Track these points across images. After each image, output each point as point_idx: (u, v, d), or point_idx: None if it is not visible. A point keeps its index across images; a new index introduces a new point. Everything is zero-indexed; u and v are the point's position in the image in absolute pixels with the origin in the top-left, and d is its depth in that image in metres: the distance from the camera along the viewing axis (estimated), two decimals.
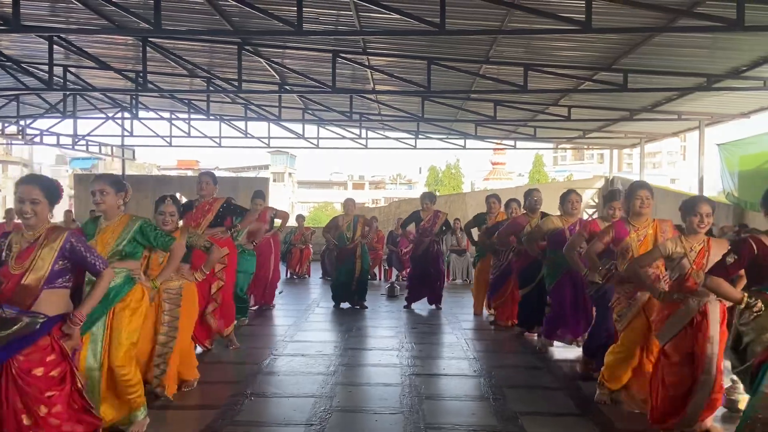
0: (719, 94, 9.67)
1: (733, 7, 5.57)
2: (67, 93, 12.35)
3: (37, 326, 2.93)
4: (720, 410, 4.16)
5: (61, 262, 3.02)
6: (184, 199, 5.54)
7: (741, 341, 3.27)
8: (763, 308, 3.14)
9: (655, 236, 4.33)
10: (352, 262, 8.80)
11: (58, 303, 3.04)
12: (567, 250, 5.13)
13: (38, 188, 3.03)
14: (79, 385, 3.09)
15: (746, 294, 3.19)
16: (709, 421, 3.89)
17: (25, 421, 2.90)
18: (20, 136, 16.91)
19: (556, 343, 6.34)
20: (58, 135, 16.52)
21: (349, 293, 8.92)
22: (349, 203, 9.14)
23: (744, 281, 3.53)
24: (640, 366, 4.39)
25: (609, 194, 5.44)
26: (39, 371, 2.94)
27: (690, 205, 3.83)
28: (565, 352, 6.15)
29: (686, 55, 7.84)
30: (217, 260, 4.90)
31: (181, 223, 4.89)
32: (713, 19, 5.78)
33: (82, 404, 3.09)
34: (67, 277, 3.07)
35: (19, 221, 3.10)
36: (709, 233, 4.00)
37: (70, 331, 3.04)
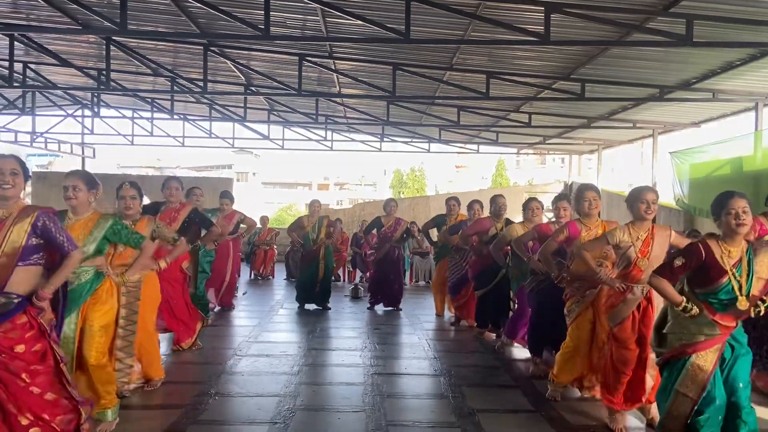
0: (671, 105, 10.08)
1: (683, 23, 5.87)
2: (27, 90, 12.11)
3: (12, 306, 2.96)
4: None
5: (35, 239, 3.03)
6: (146, 200, 5.53)
7: (665, 325, 3.54)
8: (698, 313, 3.36)
9: None
10: (316, 263, 8.92)
11: (31, 281, 3.04)
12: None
13: (15, 161, 3.11)
14: (62, 366, 3.11)
15: (685, 299, 3.39)
16: (655, 409, 4.14)
17: (4, 394, 2.92)
18: None
19: (515, 343, 6.55)
20: (15, 132, 16.09)
21: (312, 295, 9.03)
22: (314, 204, 9.24)
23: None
24: (595, 361, 4.60)
25: (556, 197, 5.68)
26: (20, 348, 2.97)
27: (636, 194, 4.07)
28: (523, 352, 6.35)
29: (640, 67, 8.16)
30: (181, 254, 4.92)
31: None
32: (664, 35, 6.07)
33: (60, 389, 3.11)
34: (41, 254, 3.08)
35: None
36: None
37: (39, 306, 3.05)
